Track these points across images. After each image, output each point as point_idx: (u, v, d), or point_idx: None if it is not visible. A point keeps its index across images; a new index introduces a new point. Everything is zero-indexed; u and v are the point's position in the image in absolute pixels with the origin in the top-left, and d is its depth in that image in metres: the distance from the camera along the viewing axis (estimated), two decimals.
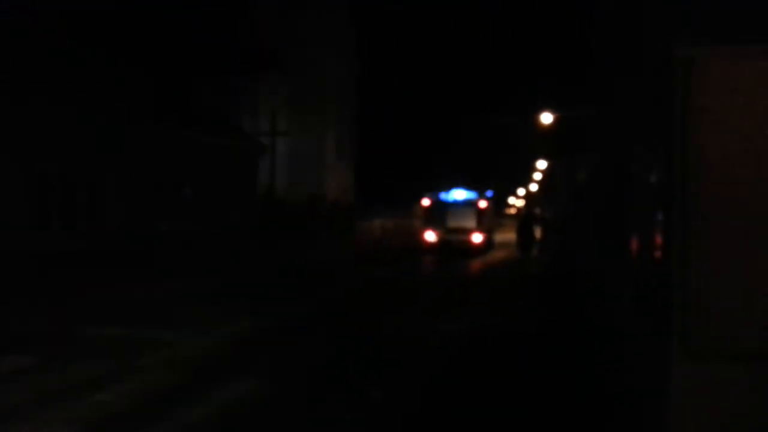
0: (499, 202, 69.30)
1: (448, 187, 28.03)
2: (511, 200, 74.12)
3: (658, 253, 4.68)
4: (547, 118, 30.60)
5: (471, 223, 26.78)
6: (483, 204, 27.76)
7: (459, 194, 27.47)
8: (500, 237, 33.62)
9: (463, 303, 12.95)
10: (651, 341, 4.75)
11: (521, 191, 68.34)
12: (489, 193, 33.44)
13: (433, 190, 28.89)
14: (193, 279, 15.14)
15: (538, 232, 21.90)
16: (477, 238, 26.61)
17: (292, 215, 29.92)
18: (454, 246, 25.98)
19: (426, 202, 28.09)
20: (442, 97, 51.11)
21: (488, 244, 28.52)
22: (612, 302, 6.80)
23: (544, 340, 8.76)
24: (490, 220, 30.70)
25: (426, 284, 17.09)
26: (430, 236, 26.56)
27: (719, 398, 4.02)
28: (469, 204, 27.27)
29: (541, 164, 44.90)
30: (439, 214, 27.00)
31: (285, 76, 32.90)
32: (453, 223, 26.67)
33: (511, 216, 69.20)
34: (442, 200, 27.55)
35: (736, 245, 4.00)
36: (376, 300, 13.19)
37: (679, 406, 4.06)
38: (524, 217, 22.26)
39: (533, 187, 57.31)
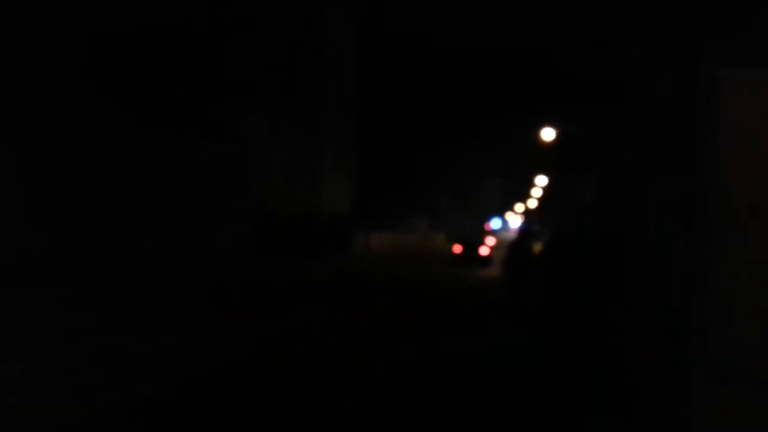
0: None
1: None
2: (509, 216, 73.90)
3: (679, 275, 4.47)
4: (548, 133, 30.42)
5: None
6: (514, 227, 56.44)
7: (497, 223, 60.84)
8: None
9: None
10: (672, 364, 4.51)
11: (520, 207, 68.09)
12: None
13: (432, 208, 55.01)
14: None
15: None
16: None
17: (288, 229, 29.60)
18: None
19: (488, 226, 58.19)
20: (442, 111, 50.87)
21: None
22: (627, 327, 6.48)
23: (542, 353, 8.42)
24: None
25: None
26: (490, 242, 35.98)
27: (742, 422, 3.87)
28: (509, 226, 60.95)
29: (541, 180, 44.72)
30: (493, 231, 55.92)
31: (284, 86, 32.65)
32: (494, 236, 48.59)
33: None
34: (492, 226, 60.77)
35: (762, 266, 3.86)
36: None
37: (700, 429, 3.93)
38: (520, 236, 18.83)
39: (532, 204, 57.15)
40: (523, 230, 25.57)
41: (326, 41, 35.60)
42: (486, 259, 30.46)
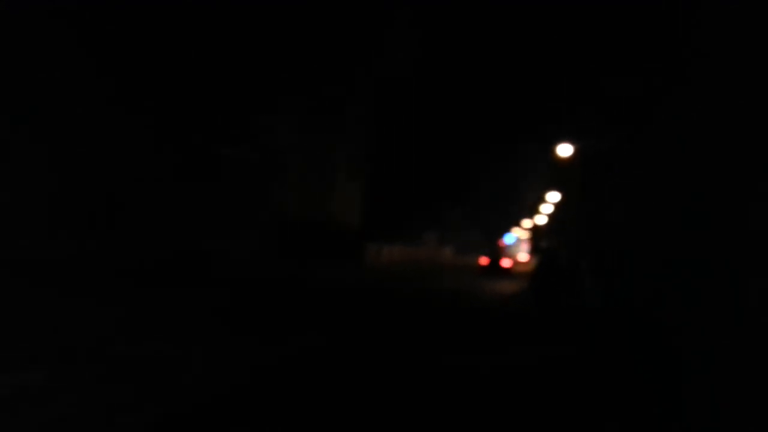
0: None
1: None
2: (517, 231, 73.64)
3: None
4: (565, 149, 30.06)
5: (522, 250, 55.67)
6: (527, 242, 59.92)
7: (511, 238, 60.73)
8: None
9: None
10: None
11: (527, 223, 67.78)
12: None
13: (440, 221, 54.37)
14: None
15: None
16: (523, 257, 55.80)
17: (303, 237, 29.36)
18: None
19: (501, 242, 59.87)
20: (452, 127, 50.73)
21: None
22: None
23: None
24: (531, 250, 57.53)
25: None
26: (506, 263, 37.69)
27: None
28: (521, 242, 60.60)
29: (553, 196, 44.38)
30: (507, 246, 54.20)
31: (300, 96, 32.51)
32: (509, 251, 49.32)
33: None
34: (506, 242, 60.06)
35: None
36: None
37: None
38: (548, 254, 19.25)
39: (541, 220, 56.78)
40: (548, 248, 25.74)
41: (348, 59, 35.40)
42: (507, 271, 35.54)
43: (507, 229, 72.01)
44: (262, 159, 25.39)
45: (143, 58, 19.04)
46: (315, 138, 33.81)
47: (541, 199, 51.18)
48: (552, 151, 32.33)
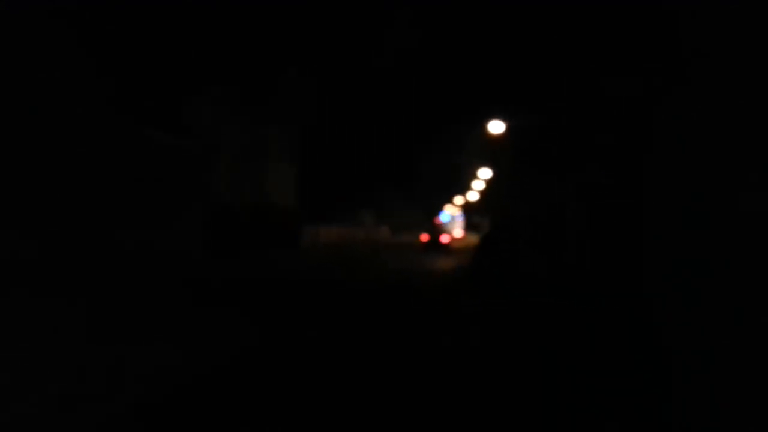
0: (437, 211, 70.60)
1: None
2: (449, 208, 74.72)
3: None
4: (496, 126, 30.63)
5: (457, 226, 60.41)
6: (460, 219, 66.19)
7: (446, 216, 59.21)
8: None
9: None
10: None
11: (459, 200, 68.85)
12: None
13: (375, 201, 55.49)
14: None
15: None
16: (458, 233, 57.08)
17: (240, 222, 29.02)
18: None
19: (437, 220, 60.02)
20: (389, 107, 50.89)
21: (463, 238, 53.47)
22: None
23: None
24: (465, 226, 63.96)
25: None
26: (445, 239, 39.77)
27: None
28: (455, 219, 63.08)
29: (484, 173, 45.16)
30: (443, 224, 55.07)
31: (233, 77, 31.93)
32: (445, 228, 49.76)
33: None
34: (441, 219, 60.17)
35: None
36: None
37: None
38: (494, 232, 19.61)
39: (473, 196, 57.79)
40: (491, 225, 27.21)
41: (284, 42, 34.88)
42: (446, 247, 37.98)
43: (441, 207, 73.13)
44: (192, 143, 24.89)
45: (70, 38, 18.28)
46: (249, 119, 33.33)
47: (473, 176, 52.11)
48: (483, 128, 32.85)
